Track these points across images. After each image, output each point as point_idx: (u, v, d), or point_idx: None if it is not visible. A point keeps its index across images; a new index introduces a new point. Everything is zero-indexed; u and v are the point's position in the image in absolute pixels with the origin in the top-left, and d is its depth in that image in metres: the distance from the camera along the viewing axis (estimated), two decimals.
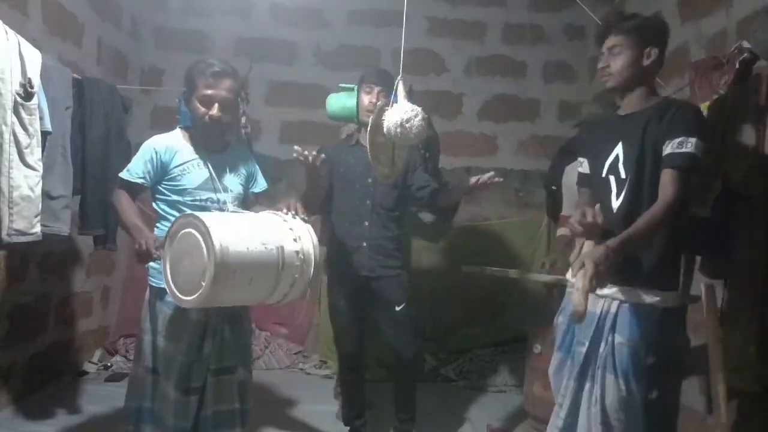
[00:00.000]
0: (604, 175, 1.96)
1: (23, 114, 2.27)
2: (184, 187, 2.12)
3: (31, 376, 3.29)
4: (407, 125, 2.27)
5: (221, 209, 2.12)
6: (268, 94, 4.54)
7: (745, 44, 2.22)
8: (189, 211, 1.95)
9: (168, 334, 2.08)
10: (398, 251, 2.81)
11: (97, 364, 3.92)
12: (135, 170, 2.12)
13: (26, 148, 2.28)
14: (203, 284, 1.75)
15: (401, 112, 2.29)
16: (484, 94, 4.75)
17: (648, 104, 1.92)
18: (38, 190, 2.35)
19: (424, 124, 2.35)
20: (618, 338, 1.85)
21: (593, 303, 1.94)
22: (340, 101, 2.80)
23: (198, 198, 2.13)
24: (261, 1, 4.56)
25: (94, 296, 4.01)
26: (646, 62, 1.91)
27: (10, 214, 2.22)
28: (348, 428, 2.90)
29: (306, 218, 2.03)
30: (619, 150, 1.92)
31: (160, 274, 2.01)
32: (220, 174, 2.17)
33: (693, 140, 1.78)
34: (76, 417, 3.10)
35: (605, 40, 1.97)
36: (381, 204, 2.75)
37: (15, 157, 2.24)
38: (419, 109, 2.34)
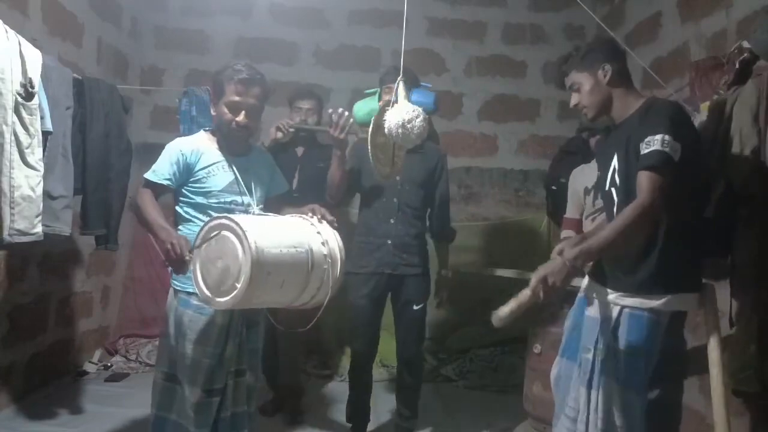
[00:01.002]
0: (607, 188, 1.97)
1: (24, 114, 2.27)
2: (209, 189, 2.11)
3: (31, 376, 3.28)
4: (409, 126, 2.29)
5: (246, 212, 2.12)
6: None
7: (745, 44, 2.22)
8: (218, 214, 1.94)
9: (194, 337, 2.07)
10: (422, 250, 2.83)
11: (97, 364, 3.92)
12: (161, 171, 2.10)
13: (27, 148, 2.28)
14: (238, 285, 1.75)
15: (402, 113, 2.30)
16: (484, 94, 4.75)
17: (632, 109, 1.92)
18: (39, 189, 2.35)
19: (425, 125, 2.37)
20: (621, 345, 1.84)
21: (595, 308, 1.95)
22: (365, 107, 2.83)
23: (223, 200, 2.12)
24: (261, 1, 4.55)
25: (94, 296, 4.01)
26: (605, 80, 1.93)
27: (12, 214, 2.22)
28: (350, 426, 2.90)
29: (333, 221, 2.04)
30: (615, 162, 1.93)
31: (184, 276, 2.00)
32: (244, 177, 2.16)
33: (659, 137, 1.71)
34: (76, 417, 3.10)
35: (565, 82, 2.03)
36: (407, 202, 2.77)
37: (16, 156, 2.23)
38: (420, 109, 2.36)
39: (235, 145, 2.18)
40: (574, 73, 1.98)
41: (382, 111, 2.41)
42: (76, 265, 3.73)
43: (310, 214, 2.04)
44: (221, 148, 2.17)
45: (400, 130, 2.29)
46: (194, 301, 2.03)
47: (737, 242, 2.15)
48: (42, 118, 2.39)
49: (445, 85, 4.70)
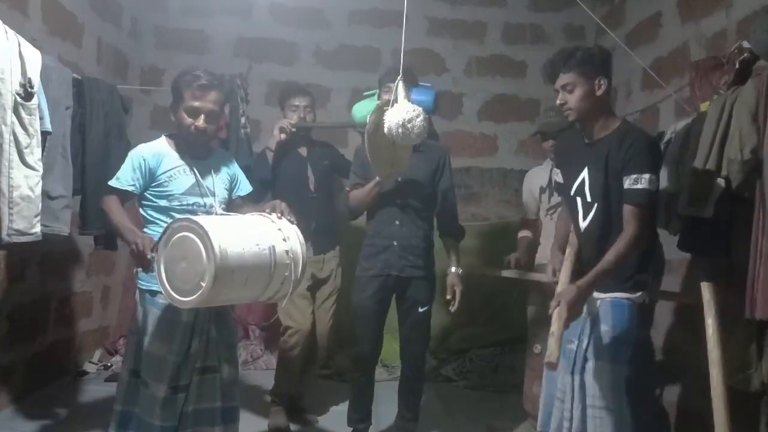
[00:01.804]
0: (572, 194, 2.12)
1: (23, 114, 2.27)
2: (172, 192, 2.18)
3: (31, 376, 3.28)
4: (409, 125, 2.29)
5: (208, 213, 2.17)
6: (268, 94, 4.53)
7: (745, 44, 2.22)
8: (181, 216, 2.00)
9: (159, 335, 2.13)
10: (428, 251, 2.82)
11: (97, 364, 3.92)
12: (125, 178, 2.18)
13: (26, 148, 2.28)
14: (203, 285, 1.79)
15: (402, 113, 2.30)
16: (484, 94, 4.76)
17: (608, 130, 2.05)
18: (38, 190, 2.35)
19: (425, 125, 2.37)
20: (606, 326, 2.04)
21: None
22: (364, 108, 2.84)
23: (185, 203, 2.19)
24: (261, 1, 4.56)
25: (94, 296, 4.01)
26: (599, 92, 2.04)
27: (10, 214, 2.22)
28: (351, 429, 2.89)
29: (292, 220, 2.08)
30: (585, 175, 2.07)
31: (149, 276, 2.06)
32: (206, 179, 2.24)
33: (646, 176, 1.96)
34: (76, 417, 3.10)
35: (556, 80, 2.11)
36: (411, 204, 2.76)
37: (15, 157, 2.23)
38: (420, 109, 2.36)
39: (195, 148, 2.25)
40: (572, 75, 2.05)
41: (380, 110, 2.40)
42: (76, 265, 3.73)
43: (268, 211, 2.09)
44: (182, 152, 2.23)
45: (400, 130, 2.29)
46: (159, 300, 2.11)
47: (737, 242, 2.15)
48: (41, 118, 2.38)
49: (445, 85, 4.69)
